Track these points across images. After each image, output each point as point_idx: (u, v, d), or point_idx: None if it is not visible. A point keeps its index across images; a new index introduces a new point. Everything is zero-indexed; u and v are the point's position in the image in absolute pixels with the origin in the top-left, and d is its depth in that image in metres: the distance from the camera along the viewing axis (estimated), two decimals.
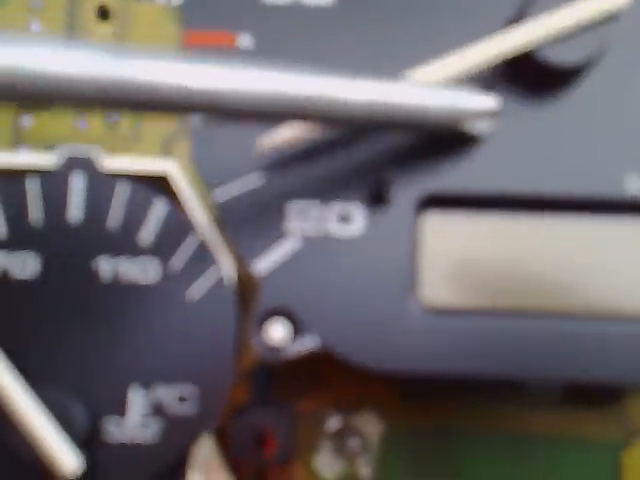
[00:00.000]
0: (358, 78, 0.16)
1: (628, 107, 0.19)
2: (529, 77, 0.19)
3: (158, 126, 0.22)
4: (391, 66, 0.19)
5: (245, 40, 0.19)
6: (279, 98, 0.15)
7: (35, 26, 0.22)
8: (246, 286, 0.20)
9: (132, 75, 0.13)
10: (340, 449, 0.21)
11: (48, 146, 0.22)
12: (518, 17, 0.18)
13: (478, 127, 0.18)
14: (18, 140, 0.22)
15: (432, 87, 0.17)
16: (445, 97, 0.17)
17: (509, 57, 0.18)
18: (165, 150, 0.22)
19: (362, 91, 0.16)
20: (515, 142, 0.19)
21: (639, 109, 0.19)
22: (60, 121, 0.22)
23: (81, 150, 0.20)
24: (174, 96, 0.14)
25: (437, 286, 0.19)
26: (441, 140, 0.19)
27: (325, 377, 0.21)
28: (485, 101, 0.18)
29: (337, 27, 0.19)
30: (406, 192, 0.19)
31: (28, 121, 0.22)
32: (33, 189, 0.20)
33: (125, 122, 0.22)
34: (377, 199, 0.19)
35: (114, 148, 0.22)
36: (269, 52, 0.19)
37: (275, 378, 0.21)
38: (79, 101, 0.13)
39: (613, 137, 0.19)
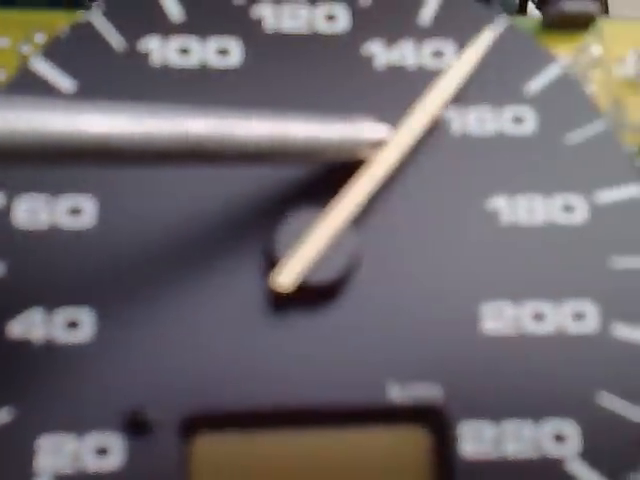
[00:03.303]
0: (251, 117, 0.17)
1: (388, 318, 0.19)
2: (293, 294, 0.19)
3: None
4: None
5: None
6: (175, 138, 0.16)
7: None
8: None
9: None
10: None
11: None
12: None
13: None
14: None
15: (325, 119, 0.18)
16: (339, 129, 0.18)
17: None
18: None
19: (258, 127, 0.17)
20: (281, 355, 0.19)
21: (399, 321, 0.19)
22: None
23: None
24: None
25: None
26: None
27: None
28: (377, 130, 0.19)
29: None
30: (167, 416, 0.18)
31: None
32: None
33: None
34: (136, 427, 0.18)
35: None
36: (24, 279, 0.19)
37: None
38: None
39: (375, 348, 0.19)
